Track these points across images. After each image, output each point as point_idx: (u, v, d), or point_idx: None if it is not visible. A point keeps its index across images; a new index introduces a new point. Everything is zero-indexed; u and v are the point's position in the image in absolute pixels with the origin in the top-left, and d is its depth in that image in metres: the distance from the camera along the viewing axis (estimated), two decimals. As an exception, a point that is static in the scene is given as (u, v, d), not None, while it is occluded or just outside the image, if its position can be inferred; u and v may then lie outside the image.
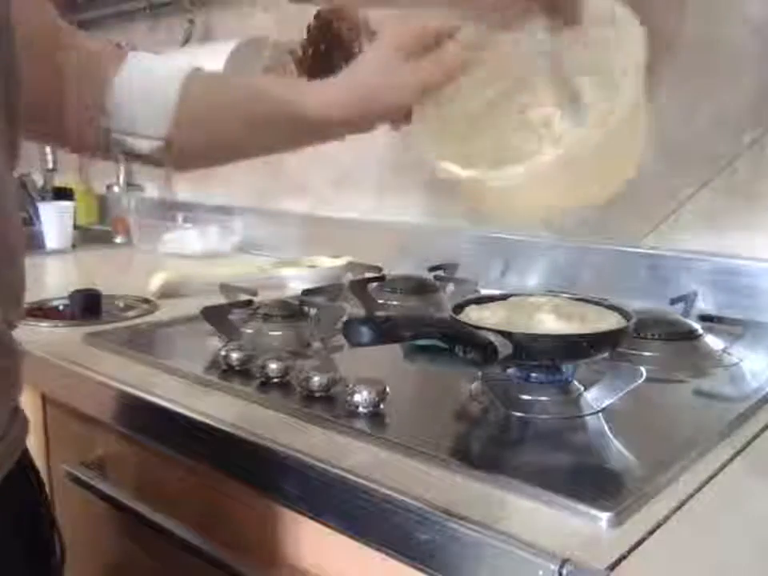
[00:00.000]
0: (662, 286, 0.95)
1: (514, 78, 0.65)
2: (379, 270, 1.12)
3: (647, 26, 0.60)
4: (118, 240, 1.67)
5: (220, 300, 0.94)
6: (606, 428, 0.60)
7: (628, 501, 0.47)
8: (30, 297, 1.02)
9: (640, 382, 0.61)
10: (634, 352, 0.77)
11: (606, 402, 0.62)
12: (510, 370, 0.67)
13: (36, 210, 1.63)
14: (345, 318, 0.81)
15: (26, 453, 0.55)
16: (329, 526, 0.54)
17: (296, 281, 1.15)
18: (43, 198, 1.75)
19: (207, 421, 0.62)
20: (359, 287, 1.00)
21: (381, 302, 1.01)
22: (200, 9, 1.54)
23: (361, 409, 0.61)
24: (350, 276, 1.12)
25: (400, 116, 0.68)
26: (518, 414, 0.62)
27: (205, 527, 0.66)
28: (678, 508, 0.48)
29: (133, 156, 0.67)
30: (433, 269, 1.10)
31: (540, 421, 0.62)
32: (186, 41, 1.54)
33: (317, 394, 0.65)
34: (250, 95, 0.69)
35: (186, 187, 1.68)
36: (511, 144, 0.62)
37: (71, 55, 0.63)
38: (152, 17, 1.67)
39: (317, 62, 1.25)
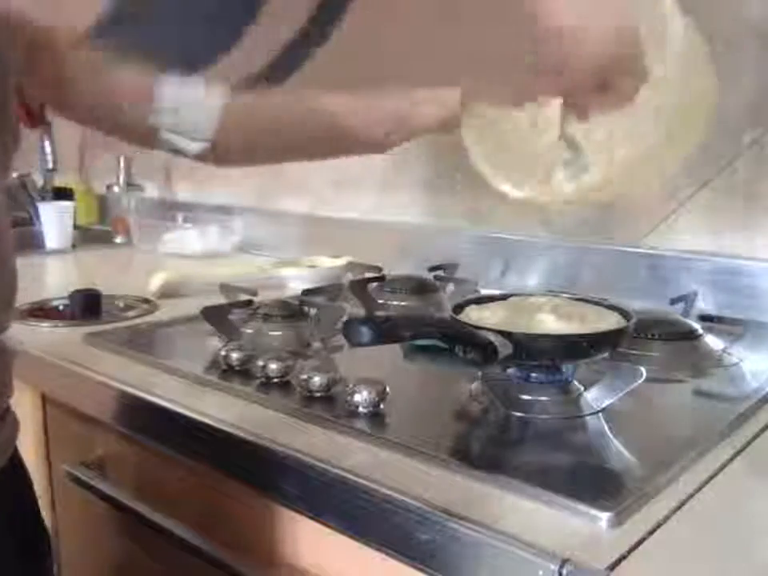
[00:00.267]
0: (662, 286, 0.95)
1: None
2: (379, 270, 1.12)
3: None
4: (118, 240, 1.67)
5: (220, 300, 0.94)
6: (606, 428, 0.60)
7: (628, 501, 0.47)
8: (30, 297, 1.02)
9: (640, 382, 0.61)
10: (634, 352, 0.77)
11: (606, 402, 0.62)
12: (510, 370, 0.67)
13: (36, 209, 1.63)
14: (345, 318, 0.81)
15: (15, 452, 0.55)
16: (328, 526, 0.54)
17: (296, 281, 1.15)
18: (43, 198, 1.75)
19: (207, 421, 0.62)
20: (359, 287, 1.00)
21: (381, 302, 1.01)
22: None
23: (361, 409, 0.61)
24: (349, 276, 1.12)
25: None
26: (518, 413, 0.62)
27: (205, 527, 0.66)
28: (678, 508, 0.48)
29: (180, 154, 0.67)
30: (433, 269, 1.10)
31: (540, 421, 0.62)
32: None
33: (317, 394, 0.65)
34: (298, 107, 0.70)
35: (186, 187, 1.68)
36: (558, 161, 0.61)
37: None
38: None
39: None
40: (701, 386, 0.74)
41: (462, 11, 0.34)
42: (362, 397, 0.61)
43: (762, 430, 0.61)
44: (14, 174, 1.68)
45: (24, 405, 0.85)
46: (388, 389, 0.62)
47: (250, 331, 0.86)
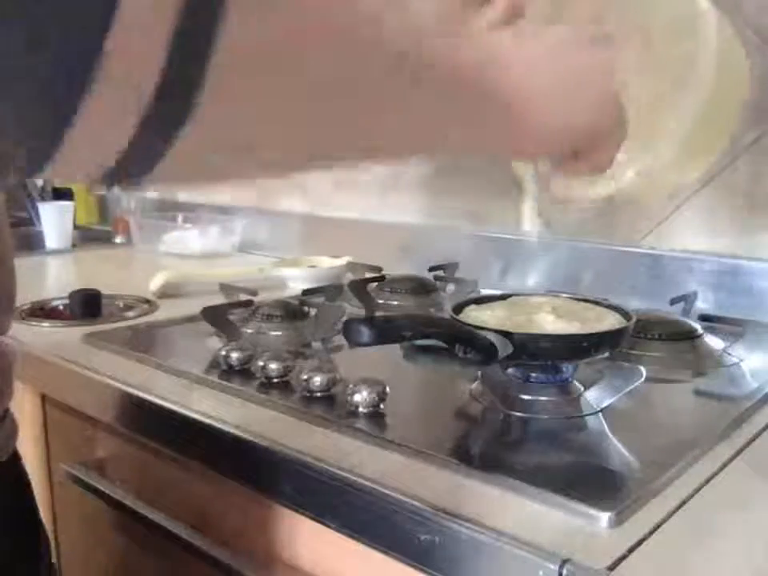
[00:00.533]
0: (662, 286, 0.95)
1: None
2: (379, 270, 1.12)
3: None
4: (118, 240, 1.67)
5: (220, 300, 0.94)
6: (606, 428, 0.60)
7: (628, 501, 0.47)
8: (30, 297, 1.02)
9: (640, 382, 0.61)
10: (634, 352, 0.77)
11: (606, 402, 0.62)
12: (510, 370, 0.67)
13: (36, 210, 1.63)
14: (345, 318, 0.81)
15: (15, 453, 0.55)
16: (328, 526, 0.54)
17: (296, 281, 1.15)
18: (43, 198, 1.75)
19: (207, 421, 0.62)
20: (359, 287, 1.00)
21: (381, 302, 1.01)
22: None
23: (361, 409, 0.61)
24: (349, 276, 1.12)
25: None
26: (518, 413, 0.62)
27: (204, 527, 0.66)
28: (678, 508, 0.48)
29: None
30: (433, 269, 1.10)
31: (540, 421, 0.62)
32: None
33: (317, 394, 0.65)
34: None
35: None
36: None
37: None
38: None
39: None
40: (701, 386, 0.74)
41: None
42: (361, 397, 0.61)
43: (762, 430, 0.61)
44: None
45: (24, 405, 0.85)
46: (388, 389, 0.62)
47: (250, 331, 0.86)
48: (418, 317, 0.83)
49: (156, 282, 1.10)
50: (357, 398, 0.61)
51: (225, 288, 0.99)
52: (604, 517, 0.45)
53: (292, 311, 0.89)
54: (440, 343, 0.64)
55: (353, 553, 0.53)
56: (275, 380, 0.69)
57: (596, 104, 0.43)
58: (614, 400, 0.62)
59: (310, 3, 0.24)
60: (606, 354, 0.65)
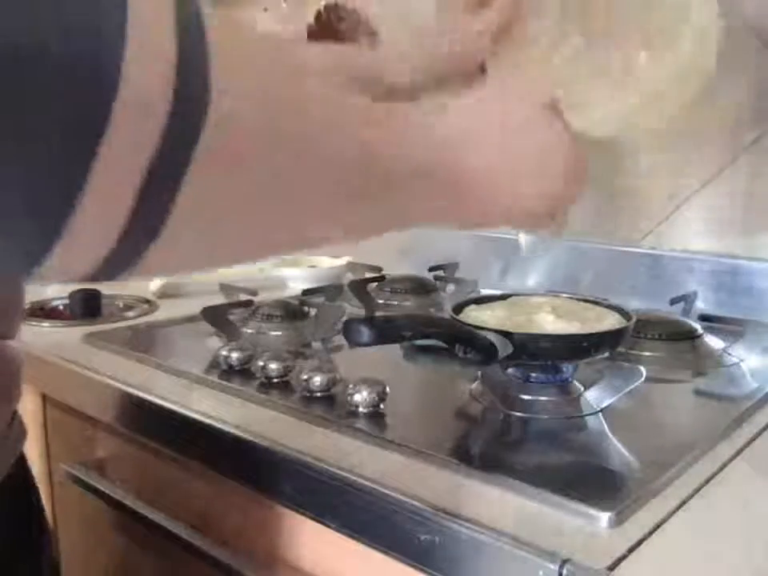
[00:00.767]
0: (662, 286, 0.95)
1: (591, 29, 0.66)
2: (379, 270, 1.12)
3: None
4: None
5: (220, 300, 0.94)
6: (606, 428, 0.60)
7: (628, 501, 0.47)
8: (30, 296, 1.02)
9: (640, 382, 0.61)
10: (633, 352, 0.77)
11: (606, 402, 0.62)
12: (510, 370, 0.67)
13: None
14: (345, 318, 0.81)
15: (22, 456, 0.55)
16: (328, 526, 0.54)
17: (296, 281, 1.15)
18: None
19: (207, 421, 0.62)
20: (359, 287, 1.00)
21: (381, 302, 1.01)
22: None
23: (361, 409, 0.61)
24: (349, 276, 1.12)
25: (472, 68, 0.68)
26: (518, 413, 0.62)
27: (205, 527, 0.66)
28: (678, 508, 0.48)
29: None
30: (433, 269, 1.10)
31: (540, 421, 0.62)
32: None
33: (317, 394, 0.65)
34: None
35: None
36: (592, 91, 0.62)
37: None
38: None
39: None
40: (701, 386, 0.74)
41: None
42: (361, 397, 0.61)
43: (762, 430, 0.61)
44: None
45: (24, 405, 0.85)
46: (388, 389, 0.62)
47: (250, 331, 0.86)
48: (418, 317, 0.83)
49: (156, 282, 1.10)
50: (357, 397, 0.61)
51: (225, 288, 0.99)
52: (604, 517, 0.45)
53: (292, 311, 0.89)
54: (440, 343, 0.64)
55: (353, 553, 0.53)
56: (275, 380, 0.69)
57: (549, 176, 0.46)
58: (613, 400, 0.62)
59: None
60: (606, 354, 0.65)
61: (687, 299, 0.90)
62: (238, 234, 0.29)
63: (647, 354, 0.77)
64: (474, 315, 0.68)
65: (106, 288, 1.04)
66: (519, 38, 0.65)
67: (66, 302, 1.01)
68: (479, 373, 0.66)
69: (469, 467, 0.52)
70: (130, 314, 0.99)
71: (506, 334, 0.61)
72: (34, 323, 0.93)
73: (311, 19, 1.32)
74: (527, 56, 0.65)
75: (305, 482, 0.54)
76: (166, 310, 1.01)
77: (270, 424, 0.61)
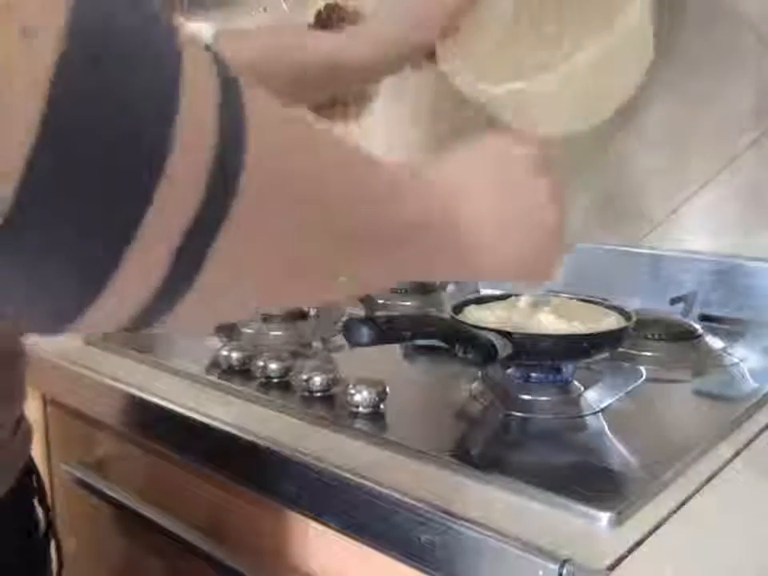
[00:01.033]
0: (662, 286, 0.95)
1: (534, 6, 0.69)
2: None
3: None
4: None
5: (220, 300, 0.93)
6: (606, 428, 0.60)
7: (628, 501, 0.47)
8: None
9: (640, 382, 0.61)
10: (634, 352, 0.77)
11: (606, 402, 0.62)
12: (510, 370, 0.67)
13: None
14: (345, 318, 0.81)
15: (30, 458, 0.55)
16: (328, 526, 0.54)
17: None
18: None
19: (207, 421, 0.62)
20: (359, 287, 1.00)
21: (381, 302, 1.01)
22: (198, 9, 1.54)
23: (361, 409, 0.61)
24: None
25: (422, 54, 0.71)
26: (518, 413, 0.62)
27: (205, 527, 0.66)
28: (678, 508, 0.48)
29: None
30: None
31: (540, 421, 0.62)
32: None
33: (317, 394, 0.65)
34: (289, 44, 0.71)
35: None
36: (535, 60, 0.64)
37: None
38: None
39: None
40: (701, 386, 0.74)
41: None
42: (362, 397, 0.61)
43: (762, 430, 0.61)
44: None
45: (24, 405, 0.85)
46: (388, 389, 0.62)
47: (250, 331, 0.86)
48: (417, 317, 0.83)
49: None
50: (357, 398, 0.61)
51: (225, 288, 0.99)
52: (604, 517, 0.45)
53: (292, 311, 0.89)
54: (440, 343, 0.64)
55: (353, 553, 0.53)
56: (275, 380, 0.69)
57: (541, 239, 0.48)
58: (613, 400, 0.62)
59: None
60: (606, 354, 0.65)
61: (687, 299, 0.90)
62: (257, 289, 0.32)
63: (647, 353, 0.77)
64: (474, 315, 0.68)
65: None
66: (471, 26, 0.69)
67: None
68: (479, 373, 0.66)
69: (469, 467, 0.52)
70: (130, 314, 0.99)
71: (505, 334, 0.61)
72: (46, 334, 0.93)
73: (311, 19, 1.32)
74: (479, 47, 0.68)
75: (304, 482, 0.54)
76: (166, 310, 1.00)
77: (270, 424, 0.61)
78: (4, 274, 0.22)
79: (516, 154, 0.48)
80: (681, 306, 0.89)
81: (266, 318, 0.87)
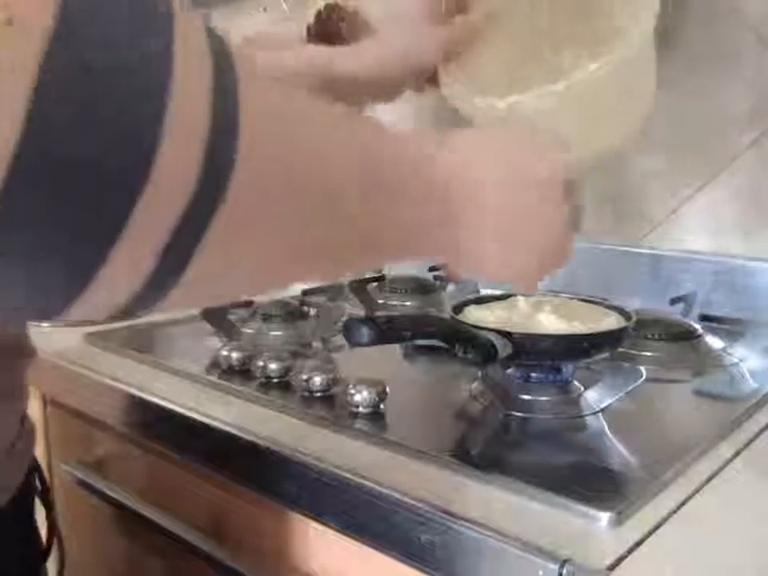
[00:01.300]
0: (662, 286, 0.95)
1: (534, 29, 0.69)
2: (379, 269, 1.12)
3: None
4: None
5: (220, 300, 0.94)
6: (606, 428, 0.60)
7: (628, 501, 0.47)
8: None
9: (640, 382, 0.61)
10: (634, 352, 0.77)
11: (606, 402, 0.62)
12: (510, 370, 0.67)
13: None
14: (345, 318, 0.81)
15: (34, 459, 0.55)
16: (328, 526, 0.54)
17: (296, 281, 1.15)
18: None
19: (207, 421, 0.62)
20: (359, 287, 1.00)
21: (381, 302, 1.01)
22: (198, 9, 1.54)
23: (361, 409, 0.61)
24: (349, 276, 1.12)
25: (424, 78, 0.70)
26: (518, 413, 0.62)
27: (205, 527, 0.66)
28: (678, 508, 0.48)
29: None
30: (433, 269, 1.10)
31: (540, 421, 0.62)
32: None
33: (317, 394, 0.65)
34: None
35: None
36: (536, 77, 0.64)
37: None
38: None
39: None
40: (701, 386, 0.74)
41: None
42: (362, 397, 0.61)
43: (762, 430, 0.61)
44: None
45: (24, 405, 0.85)
46: (388, 389, 0.62)
47: (250, 331, 0.86)
48: (417, 317, 0.83)
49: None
50: (357, 397, 0.61)
51: (225, 288, 0.99)
52: (604, 517, 0.45)
53: (292, 311, 0.89)
54: (440, 343, 0.64)
55: (352, 553, 0.53)
56: (275, 380, 0.69)
57: (536, 216, 0.47)
58: (613, 400, 0.62)
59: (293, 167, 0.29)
60: (606, 354, 0.65)
61: (687, 299, 0.90)
62: (252, 276, 0.31)
63: (647, 354, 0.77)
64: (474, 315, 0.68)
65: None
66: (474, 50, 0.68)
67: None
68: (479, 373, 0.66)
69: (469, 467, 0.52)
70: (130, 314, 0.99)
71: (505, 334, 0.61)
72: (34, 323, 0.93)
73: (311, 19, 1.32)
74: (482, 70, 0.68)
75: (304, 482, 0.54)
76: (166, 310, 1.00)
77: (270, 424, 0.61)
78: None
79: (539, 172, 0.47)
80: (681, 305, 0.89)
81: (266, 318, 0.87)
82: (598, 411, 0.62)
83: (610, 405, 0.62)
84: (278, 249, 0.30)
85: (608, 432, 0.59)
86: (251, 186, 0.26)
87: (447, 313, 0.69)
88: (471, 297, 0.77)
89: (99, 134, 0.21)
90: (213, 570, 0.63)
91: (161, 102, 0.22)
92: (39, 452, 0.86)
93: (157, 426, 0.68)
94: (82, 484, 0.77)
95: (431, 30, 0.68)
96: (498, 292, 0.78)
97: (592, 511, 0.46)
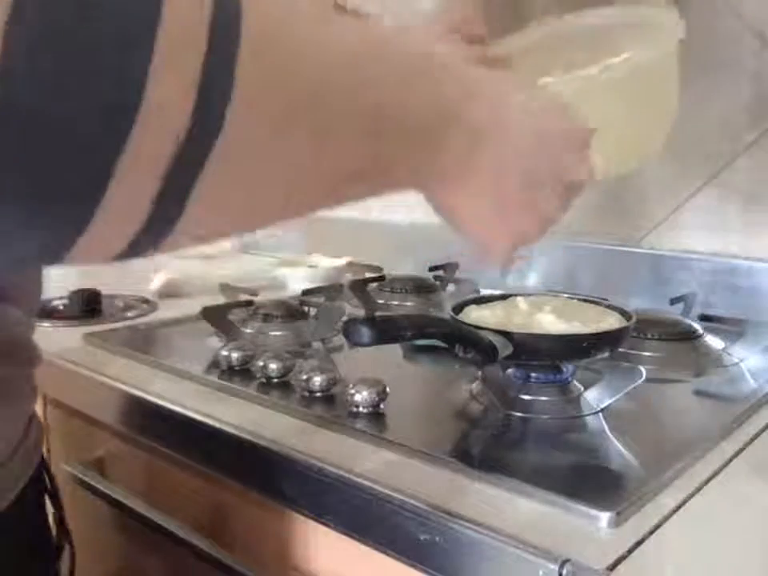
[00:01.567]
0: (662, 286, 0.95)
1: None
2: (379, 270, 1.12)
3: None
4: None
5: (220, 300, 0.94)
6: (606, 428, 0.60)
7: (628, 501, 0.47)
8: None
9: (640, 382, 0.61)
10: (634, 352, 0.77)
11: (606, 402, 0.62)
12: (510, 370, 0.67)
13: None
14: (345, 318, 0.81)
15: (42, 458, 0.55)
16: (328, 526, 0.54)
17: (296, 281, 1.15)
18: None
19: (207, 421, 0.62)
20: (359, 287, 1.00)
21: (381, 302, 1.01)
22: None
23: (361, 409, 0.61)
24: (349, 276, 1.12)
25: None
26: (518, 413, 0.62)
27: (205, 527, 0.66)
28: (678, 508, 0.48)
29: None
30: (433, 269, 1.10)
31: (540, 421, 0.62)
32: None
33: (317, 394, 0.65)
34: None
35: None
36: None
37: None
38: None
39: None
40: (701, 386, 0.74)
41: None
42: (362, 397, 0.61)
43: (762, 430, 0.61)
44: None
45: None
46: (388, 389, 0.62)
47: (250, 331, 0.86)
48: (417, 317, 0.83)
49: (155, 283, 1.10)
50: (357, 397, 0.61)
51: (225, 288, 0.99)
52: (604, 517, 0.45)
53: (292, 311, 0.89)
54: (440, 343, 0.64)
55: (352, 552, 0.53)
56: (275, 380, 0.69)
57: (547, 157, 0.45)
58: (613, 400, 0.62)
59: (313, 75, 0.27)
60: (606, 354, 0.65)
61: (687, 299, 0.90)
62: (269, 190, 0.29)
63: (647, 354, 0.77)
64: (474, 315, 0.68)
65: (105, 288, 1.04)
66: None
67: (66, 301, 1.01)
68: (479, 373, 0.66)
69: (469, 467, 0.52)
70: (130, 313, 0.99)
71: (505, 334, 0.61)
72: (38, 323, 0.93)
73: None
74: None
75: (304, 482, 0.54)
76: (166, 310, 1.01)
77: (270, 424, 0.61)
78: None
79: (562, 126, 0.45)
80: (681, 305, 0.90)
81: (266, 318, 0.87)
82: (598, 411, 0.62)
83: (609, 405, 0.62)
84: (283, 177, 0.29)
85: (608, 432, 0.59)
86: (250, 117, 0.25)
87: (447, 313, 0.69)
88: (471, 297, 0.77)
89: (84, 63, 0.20)
90: (213, 569, 0.63)
91: (149, 29, 0.21)
92: (39, 452, 0.86)
93: (157, 426, 0.68)
94: (82, 484, 0.77)
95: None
96: (497, 292, 0.78)
97: (592, 511, 0.46)
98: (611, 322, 0.67)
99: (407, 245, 1.21)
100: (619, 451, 0.57)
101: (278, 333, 0.86)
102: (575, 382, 0.66)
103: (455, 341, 0.63)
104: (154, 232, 0.25)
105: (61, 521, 0.59)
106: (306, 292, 0.97)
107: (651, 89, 0.62)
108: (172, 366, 0.75)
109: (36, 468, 0.52)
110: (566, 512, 0.46)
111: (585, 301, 0.73)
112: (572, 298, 0.74)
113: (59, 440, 0.86)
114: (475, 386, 0.67)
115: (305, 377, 0.66)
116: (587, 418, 0.62)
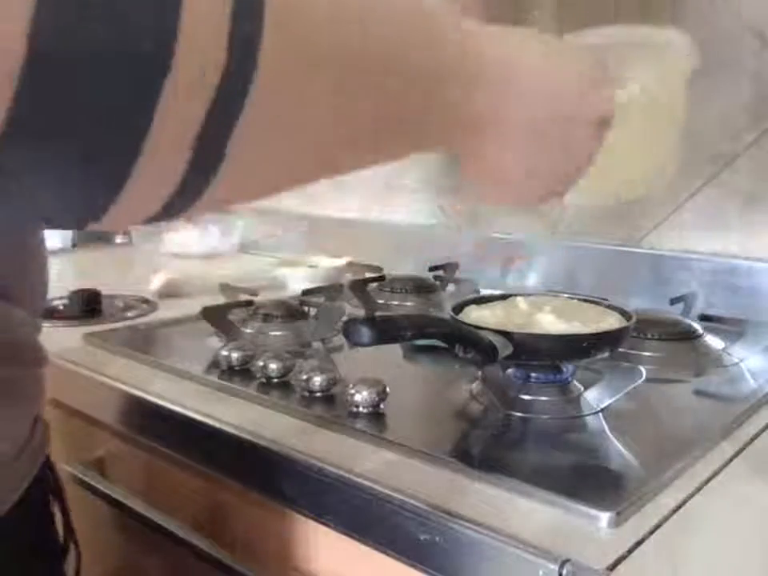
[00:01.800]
0: (662, 286, 0.95)
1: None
2: (379, 270, 1.12)
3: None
4: (119, 240, 1.67)
5: (220, 300, 0.94)
6: (606, 428, 0.60)
7: (628, 501, 0.47)
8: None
9: (640, 382, 0.61)
10: (633, 352, 0.77)
11: (606, 402, 0.62)
12: (510, 370, 0.67)
13: (36, 209, 1.62)
14: (345, 318, 0.81)
15: (48, 458, 0.55)
16: (328, 526, 0.54)
17: (296, 281, 1.15)
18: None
19: (207, 421, 0.62)
20: (359, 287, 1.00)
21: (381, 302, 1.01)
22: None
23: (361, 409, 0.61)
24: (349, 276, 1.12)
25: None
26: (518, 413, 0.62)
27: (205, 527, 0.66)
28: (678, 508, 0.48)
29: None
30: (433, 269, 1.10)
31: (540, 421, 0.62)
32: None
33: (317, 394, 0.65)
34: None
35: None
36: None
37: None
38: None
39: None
40: (701, 386, 0.74)
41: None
42: (362, 397, 0.61)
43: (762, 430, 0.61)
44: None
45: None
46: (388, 389, 0.62)
47: (250, 331, 0.86)
48: (417, 317, 0.83)
49: (156, 283, 1.10)
50: (357, 397, 0.61)
51: (225, 288, 0.99)
52: (604, 517, 0.45)
53: (292, 311, 0.89)
54: (440, 343, 0.64)
55: (352, 552, 0.53)
56: (275, 380, 0.69)
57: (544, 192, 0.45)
58: (613, 400, 0.62)
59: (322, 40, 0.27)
60: (606, 354, 0.65)
61: (687, 299, 0.90)
62: (298, 149, 0.30)
63: (647, 354, 0.77)
64: (474, 315, 0.68)
65: (105, 288, 1.04)
66: None
67: (66, 301, 1.01)
68: (479, 373, 0.66)
69: (469, 467, 0.52)
70: (130, 313, 0.99)
71: (505, 334, 0.61)
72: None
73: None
74: None
75: (304, 482, 0.54)
76: (166, 310, 1.01)
77: (270, 424, 0.61)
78: (28, 178, 0.22)
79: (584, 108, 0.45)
80: (681, 305, 0.90)
81: (266, 318, 0.87)
82: (598, 411, 0.62)
83: (609, 405, 0.62)
84: (306, 135, 0.29)
85: (608, 432, 0.59)
86: (280, 65, 0.25)
87: (447, 313, 0.69)
88: (471, 297, 0.77)
89: (115, 18, 0.20)
90: (213, 569, 0.63)
91: None
92: (39, 452, 0.86)
93: (157, 426, 0.68)
94: (82, 484, 0.77)
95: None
96: (497, 292, 0.78)
97: (592, 511, 0.46)
98: (611, 322, 0.67)
99: (407, 245, 1.21)
100: (619, 451, 0.57)
101: (277, 333, 0.86)
102: (575, 382, 0.66)
103: (455, 341, 0.63)
104: (188, 194, 0.25)
105: (66, 521, 0.59)
106: (305, 292, 0.97)
107: (657, 113, 0.61)
108: (172, 366, 0.75)
109: (40, 468, 0.52)
110: (566, 512, 0.46)
111: (585, 301, 0.73)
112: (572, 298, 0.74)
113: (59, 440, 0.86)
114: (475, 386, 0.67)
115: (305, 377, 0.66)
116: (587, 418, 0.62)
